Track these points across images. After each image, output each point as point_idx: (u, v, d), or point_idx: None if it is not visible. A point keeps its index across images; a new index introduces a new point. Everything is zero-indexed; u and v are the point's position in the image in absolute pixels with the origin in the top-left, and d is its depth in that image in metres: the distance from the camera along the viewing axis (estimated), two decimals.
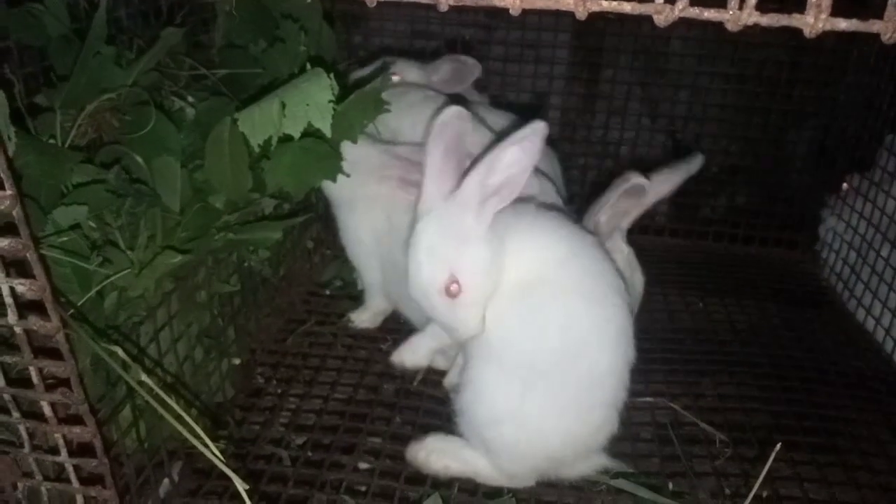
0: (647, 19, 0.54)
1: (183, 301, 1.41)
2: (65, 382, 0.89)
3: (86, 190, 1.14)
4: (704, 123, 2.51)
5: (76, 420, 0.93)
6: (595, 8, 0.57)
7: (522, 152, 1.24)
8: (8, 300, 0.83)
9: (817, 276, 2.37)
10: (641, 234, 2.53)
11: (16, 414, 0.94)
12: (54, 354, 0.87)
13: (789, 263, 2.46)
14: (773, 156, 2.53)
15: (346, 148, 1.59)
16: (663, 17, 0.56)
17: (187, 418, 0.89)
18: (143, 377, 0.88)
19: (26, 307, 0.84)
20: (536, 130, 1.22)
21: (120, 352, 0.90)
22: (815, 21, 0.55)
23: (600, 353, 1.29)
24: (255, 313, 1.82)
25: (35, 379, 0.88)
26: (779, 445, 1.03)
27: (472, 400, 1.35)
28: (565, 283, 1.31)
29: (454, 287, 1.28)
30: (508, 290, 1.31)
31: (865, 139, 2.19)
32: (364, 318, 1.96)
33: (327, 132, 1.30)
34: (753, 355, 1.89)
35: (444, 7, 0.58)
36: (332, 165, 1.52)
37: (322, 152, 1.50)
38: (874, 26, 0.55)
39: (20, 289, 0.81)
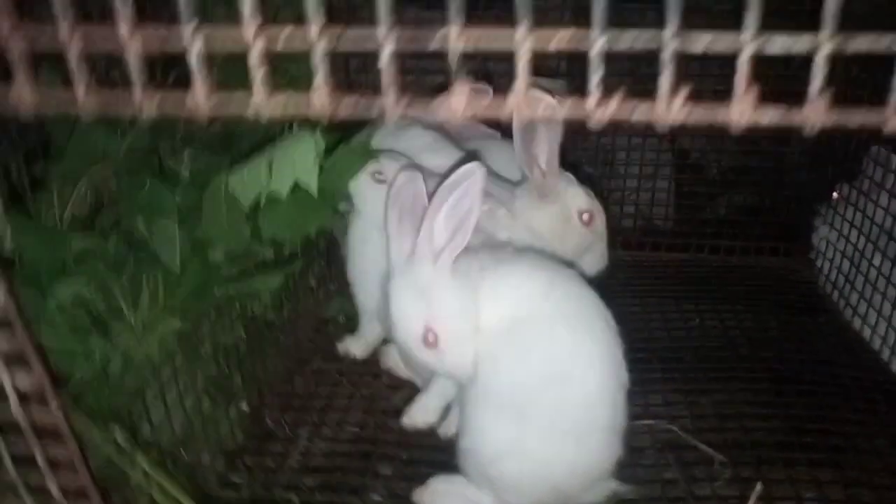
0: None
1: (187, 356, 1.46)
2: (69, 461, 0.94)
3: (85, 263, 1.18)
4: (695, 136, 2.54)
5: (83, 494, 0.97)
6: (531, 113, 0.60)
7: (459, 201, 1.30)
8: (10, 391, 0.87)
9: (814, 285, 2.38)
10: (639, 251, 2.58)
11: (24, 493, 0.98)
12: (57, 436, 0.91)
13: (785, 273, 2.47)
14: (767, 166, 2.56)
15: (388, 166, 1.66)
16: (596, 117, 0.60)
17: (177, 492, 0.93)
18: (145, 465, 0.93)
19: (27, 396, 0.88)
20: (468, 175, 1.27)
21: (120, 437, 0.94)
22: (739, 116, 0.58)
23: (588, 376, 1.32)
24: (260, 356, 1.85)
25: (40, 461, 0.92)
26: (759, 486, 1.06)
27: (471, 441, 1.39)
28: (545, 313, 1.35)
29: (431, 336, 1.33)
30: (492, 330, 1.35)
31: (853, 149, 2.21)
32: (358, 347, 2.01)
33: (313, 191, 1.35)
34: (752, 370, 1.91)
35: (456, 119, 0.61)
36: (326, 213, 1.57)
37: (315, 203, 1.54)
38: (797, 117, 0.58)
39: (21, 383, 0.85)
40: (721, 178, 2.73)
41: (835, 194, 2.22)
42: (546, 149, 1.66)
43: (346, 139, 1.57)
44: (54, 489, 0.95)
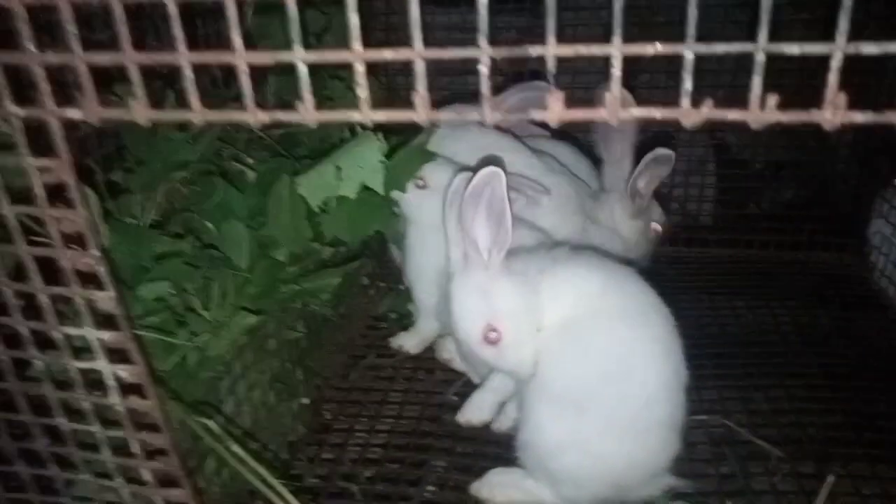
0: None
1: (256, 352, 1.51)
2: (162, 450, 0.99)
3: (166, 264, 1.24)
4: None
5: (173, 483, 1.02)
6: (626, 116, 0.63)
7: (490, 204, 1.32)
8: (111, 384, 0.93)
9: (868, 280, 2.35)
10: (686, 247, 2.57)
11: (120, 479, 1.04)
12: (152, 426, 0.97)
13: (838, 267, 2.44)
14: (818, 158, 2.53)
15: (430, 173, 1.73)
16: (690, 120, 0.62)
17: (273, 480, 0.97)
18: (235, 448, 0.97)
19: (126, 388, 0.94)
20: (490, 178, 1.30)
21: (212, 425, 0.99)
22: (832, 117, 0.60)
23: (647, 373, 1.34)
24: (319, 352, 1.90)
25: (136, 450, 0.98)
26: (831, 478, 1.07)
27: (531, 435, 1.42)
28: (604, 310, 1.38)
29: (493, 335, 1.38)
30: (553, 328, 1.39)
31: None
32: (412, 343, 2.05)
33: (380, 191, 1.39)
34: (806, 365, 1.91)
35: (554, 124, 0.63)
36: (385, 215, 1.61)
37: (375, 203, 1.59)
38: (894, 118, 0.60)
39: (122, 374, 0.91)
40: (767, 171, 2.71)
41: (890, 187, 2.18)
42: (649, 180, 1.93)
43: (404, 141, 1.60)
44: (148, 476, 1.00)
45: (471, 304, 1.41)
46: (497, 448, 1.65)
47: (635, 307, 1.39)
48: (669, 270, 2.43)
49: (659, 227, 2.11)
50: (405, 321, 2.15)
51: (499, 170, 1.31)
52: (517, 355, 1.40)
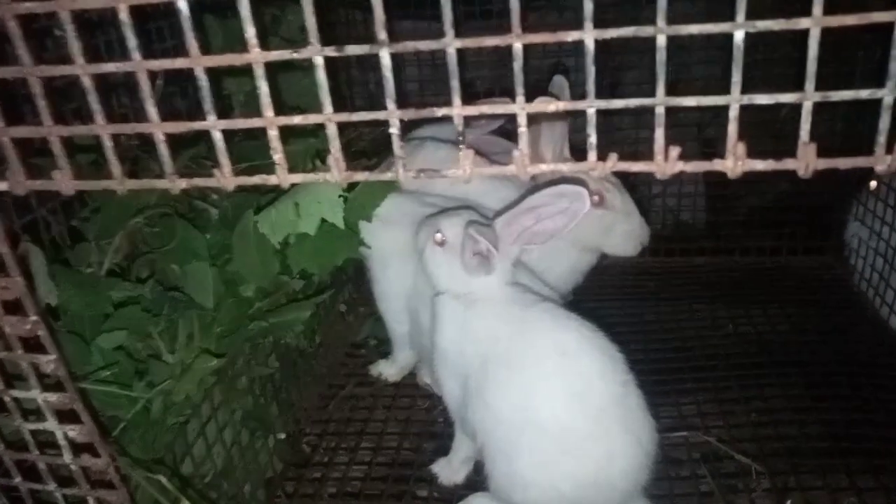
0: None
1: (225, 391, 1.51)
2: None
3: (124, 312, 1.24)
4: (722, 129, 2.52)
5: None
6: (534, 171, 0.63)
7: (551, 213, 1.34)
8: (63, 443, 0.93)
9: (849, 283, 2.34)
10: (668, 257, 2.56)
11: None
12: (107, 483, 0.97)
13: (819, 271, 2.44)
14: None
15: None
16: (597, 172, 0.63)
17: None
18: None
19: (79, 447, 0.94)
20: (575, 196, 1.31)
21: (165, 481, 0.99)
22: (734, 166, 0.60)
23: (552, 409, 1.33)
24: (295, 385, 1.89)
25: None
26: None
27: (489, 479, 1.45)
28: (508, 356, 1.38)
29: (438, 236, 1.47)
30: (478, 372, 1.41)
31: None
32: (392, 372, 2.05)
33: (340, 225, 1.39)
34: (787, 375, 1.90)
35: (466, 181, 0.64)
36: (352, 244, 1.61)
37: (340, 233, 1.59)
38: (789, 164, 0.60)
39: (72, 434, 0.91)
40: (749, 176, 2.71)
41: (873, 183, 2.18)
42: (550, 148, 1.75)
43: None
44: None
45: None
46: (478, 475, 1.64)
47: (528, 348, 1.38)
48: (650, 281, 2.43)
49: (594, 192, 1.75)
50: (384, 347, 2.14)
51: (586, 200, 1.31)
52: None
